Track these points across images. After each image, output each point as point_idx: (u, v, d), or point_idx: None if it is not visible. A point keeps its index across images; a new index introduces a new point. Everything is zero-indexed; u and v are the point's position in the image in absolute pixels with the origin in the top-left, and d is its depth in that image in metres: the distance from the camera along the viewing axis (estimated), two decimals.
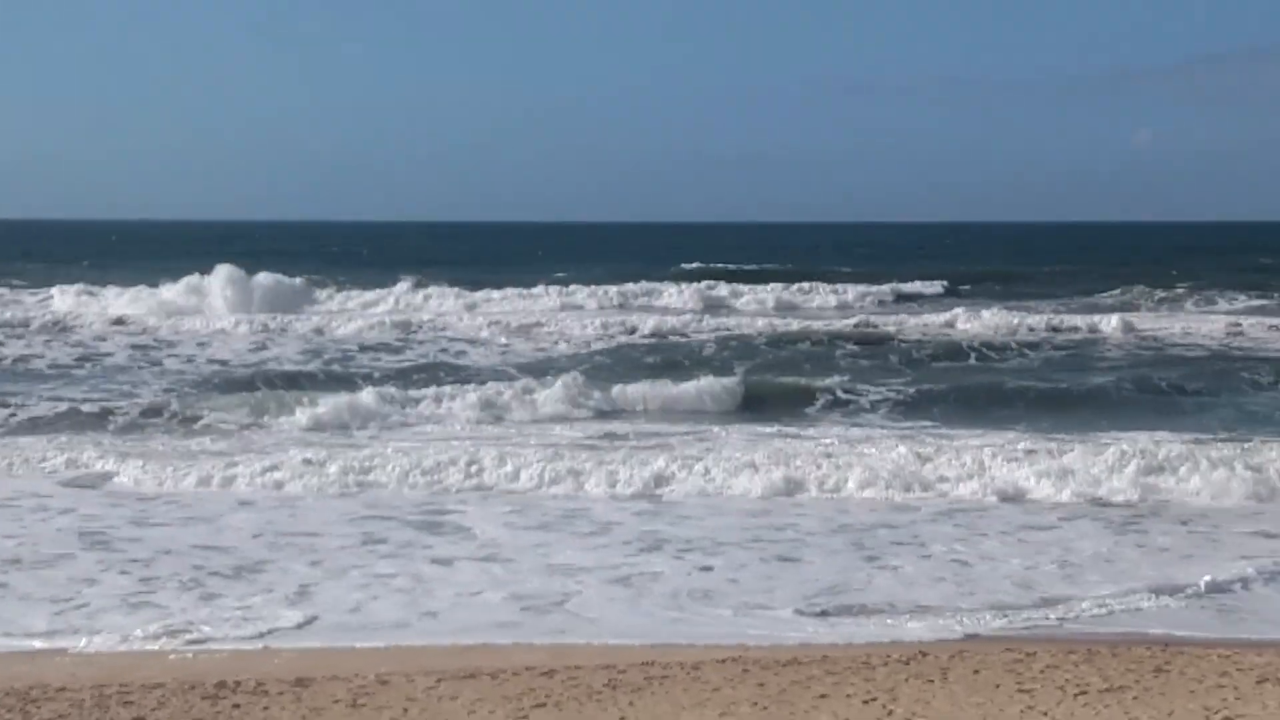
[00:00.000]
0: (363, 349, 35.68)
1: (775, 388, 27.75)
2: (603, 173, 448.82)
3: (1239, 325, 39.54)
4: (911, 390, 27.08)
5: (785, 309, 47.77)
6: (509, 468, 18.89)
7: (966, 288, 55.88)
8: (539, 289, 49.07)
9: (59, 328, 39.28)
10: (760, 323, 40.68)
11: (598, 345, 36.61)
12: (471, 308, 45.26)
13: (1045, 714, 9.37)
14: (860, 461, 18.77)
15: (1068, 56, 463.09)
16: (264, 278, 45.78)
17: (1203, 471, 17.98)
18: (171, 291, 44.51)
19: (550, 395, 25.08)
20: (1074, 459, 18.67)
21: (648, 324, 39.81)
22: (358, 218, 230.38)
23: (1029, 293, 53.26)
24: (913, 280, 56.26)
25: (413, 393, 25.41)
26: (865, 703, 9.64)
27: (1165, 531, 16.07)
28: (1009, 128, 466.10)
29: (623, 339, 37.87)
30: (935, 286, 55.26)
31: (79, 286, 47.56)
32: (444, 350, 35.37)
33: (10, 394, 26.33)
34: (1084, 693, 9.80)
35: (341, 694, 10.01)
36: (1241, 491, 17.51)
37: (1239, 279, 56.46)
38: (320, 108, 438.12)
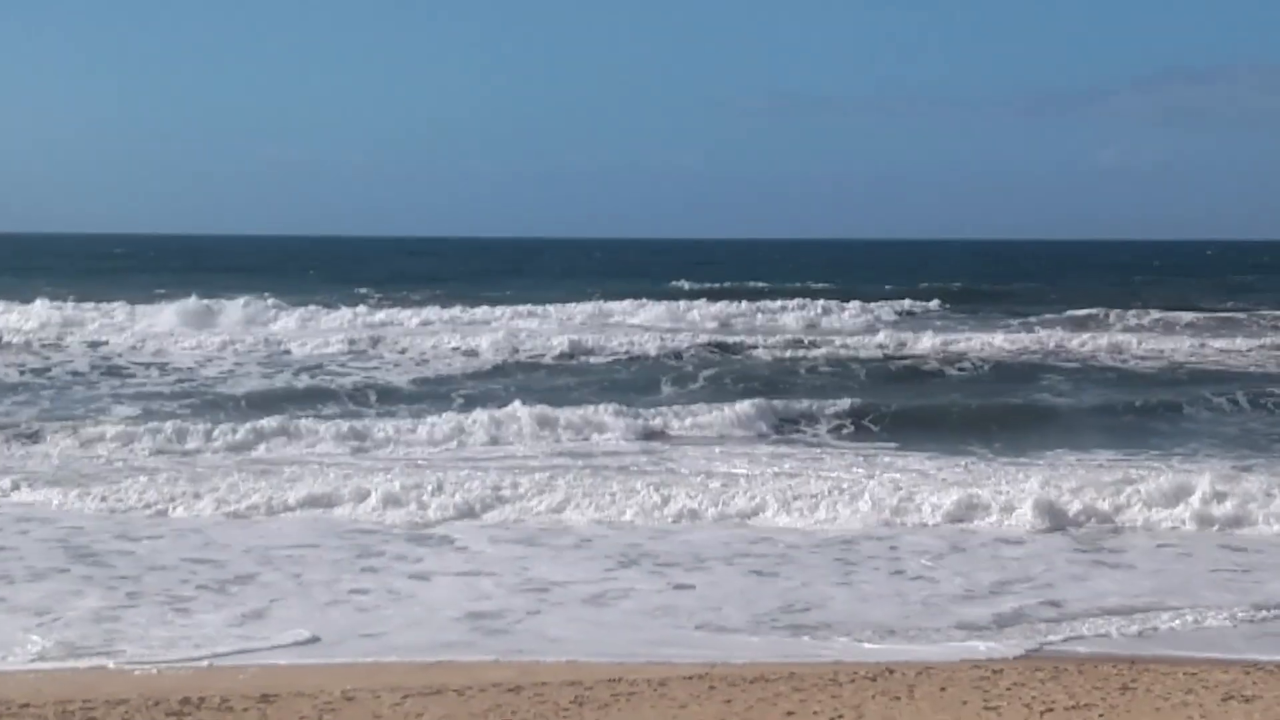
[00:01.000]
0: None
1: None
2: (564, 188, 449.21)
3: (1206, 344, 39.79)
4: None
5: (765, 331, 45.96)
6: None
7: (933, 304, 55.57)
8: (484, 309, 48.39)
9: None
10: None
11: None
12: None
13: None
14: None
15: (1034, 73, 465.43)
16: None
17: None
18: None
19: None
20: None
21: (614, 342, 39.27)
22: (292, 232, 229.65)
23: (1003, 310, 53.02)
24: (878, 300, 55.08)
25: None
26: None
27: None
28: (973, 145, 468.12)
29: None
30: (904, 304, 54.40)
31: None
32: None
33: None
34: (1050, 710, 9.83)
35: (307, 710, 9.97)
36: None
37: (1209, 295, 56.77)
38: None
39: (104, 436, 22.76)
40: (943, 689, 10.46)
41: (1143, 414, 27.14)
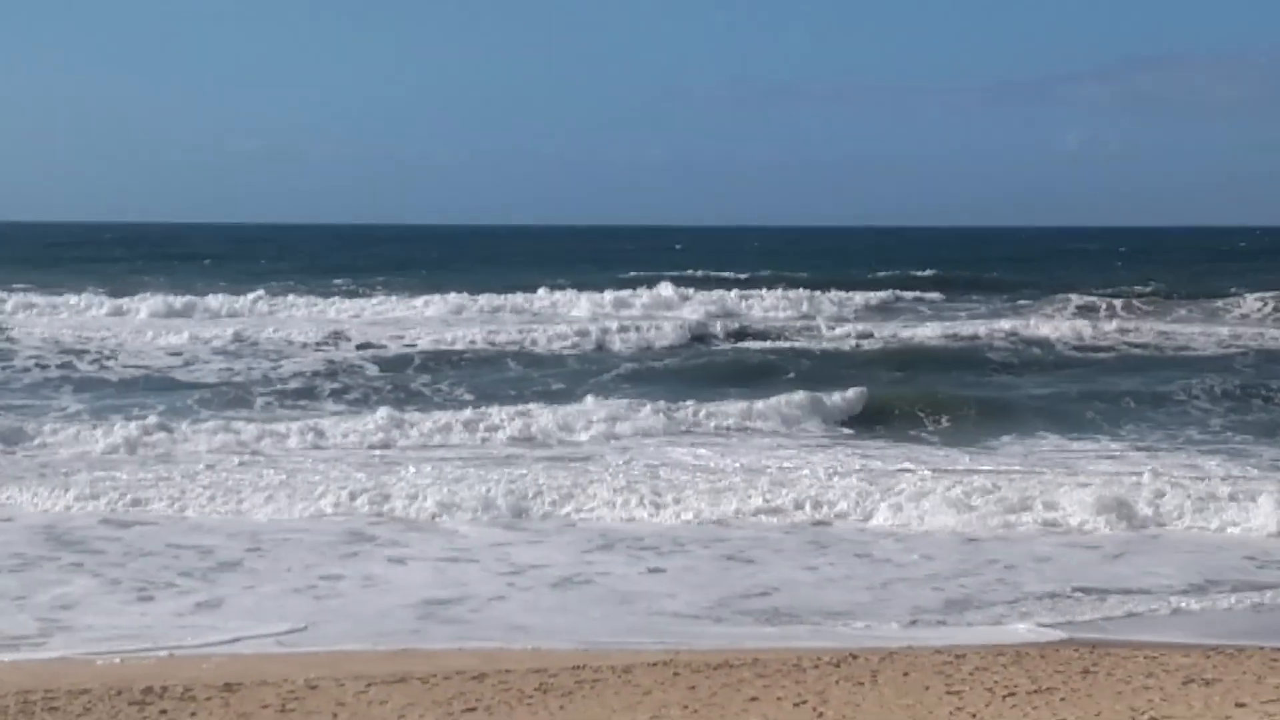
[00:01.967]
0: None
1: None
2: (521, 176, 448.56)
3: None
4: None
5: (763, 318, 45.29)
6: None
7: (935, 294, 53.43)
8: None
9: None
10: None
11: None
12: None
13: (974, 715, 9.43)
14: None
15: (994, 61, 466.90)
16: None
17: None
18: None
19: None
20: None
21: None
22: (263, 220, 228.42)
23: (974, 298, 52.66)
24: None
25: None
26: (796, 705, 9.67)
27: None
28: (936, 132, 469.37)
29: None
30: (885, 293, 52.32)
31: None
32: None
33: None
34: (1012, 694, 9.88)
35: (270, 699, 9.95)
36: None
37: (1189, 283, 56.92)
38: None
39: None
40: (905, 674, 10.50)
41: None
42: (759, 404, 25.00)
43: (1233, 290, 50.14)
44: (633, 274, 60.36)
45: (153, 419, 22.75)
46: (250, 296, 47.20)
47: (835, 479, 18.75)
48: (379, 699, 9.95)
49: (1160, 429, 24.38)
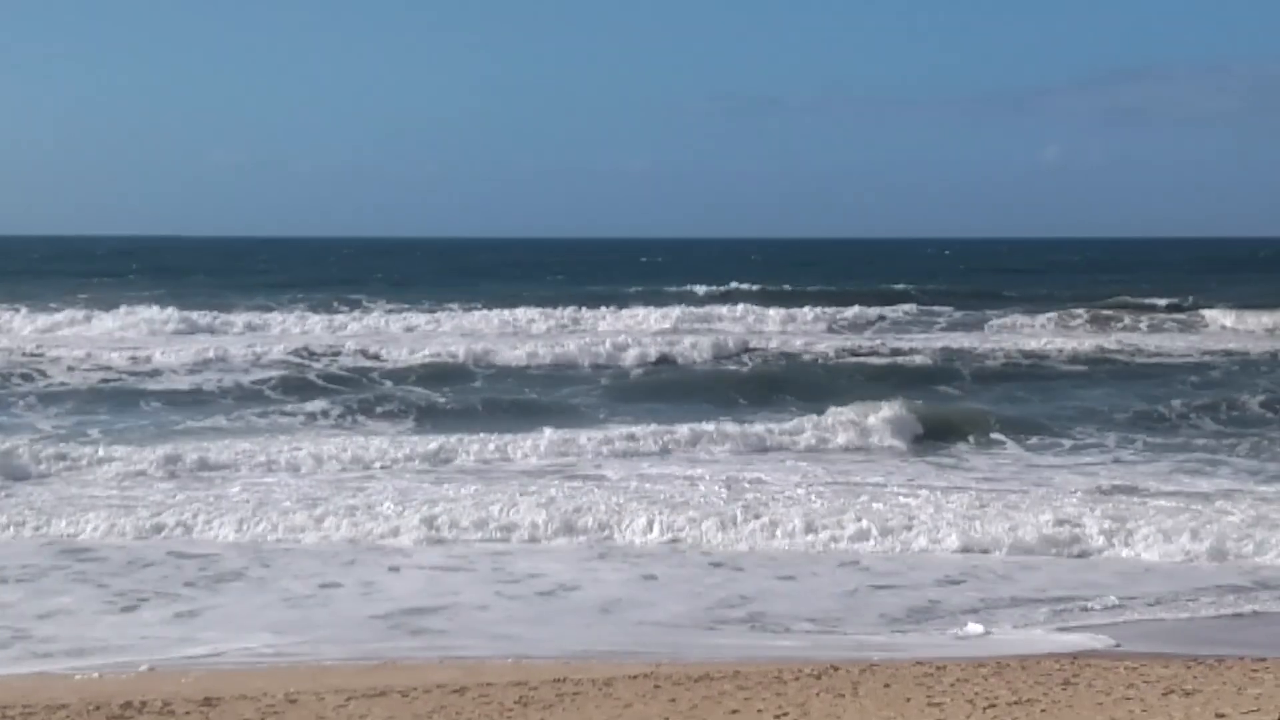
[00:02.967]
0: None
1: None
2: (505, 188, 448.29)
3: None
4: None
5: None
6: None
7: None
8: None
9: None
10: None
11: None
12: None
13: None
14: None
15: (976, 73, 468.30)
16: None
17: None
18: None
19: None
20: None
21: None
22: (248, 234, 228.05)
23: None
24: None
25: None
26: (777, 717, 9.65)
27: None
28: (918, 144, 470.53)
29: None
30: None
31: None
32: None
33: None
34: (993, 706, 9.86)
35: (250, 713, 9.91)
36: None
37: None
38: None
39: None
40: (886, 685, 10.49)
41: None
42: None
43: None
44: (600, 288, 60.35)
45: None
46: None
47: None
48: (359, 713, 9.91)
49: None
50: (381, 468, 21.27)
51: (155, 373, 32.71)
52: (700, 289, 60.61)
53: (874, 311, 49.19)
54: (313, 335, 41.54)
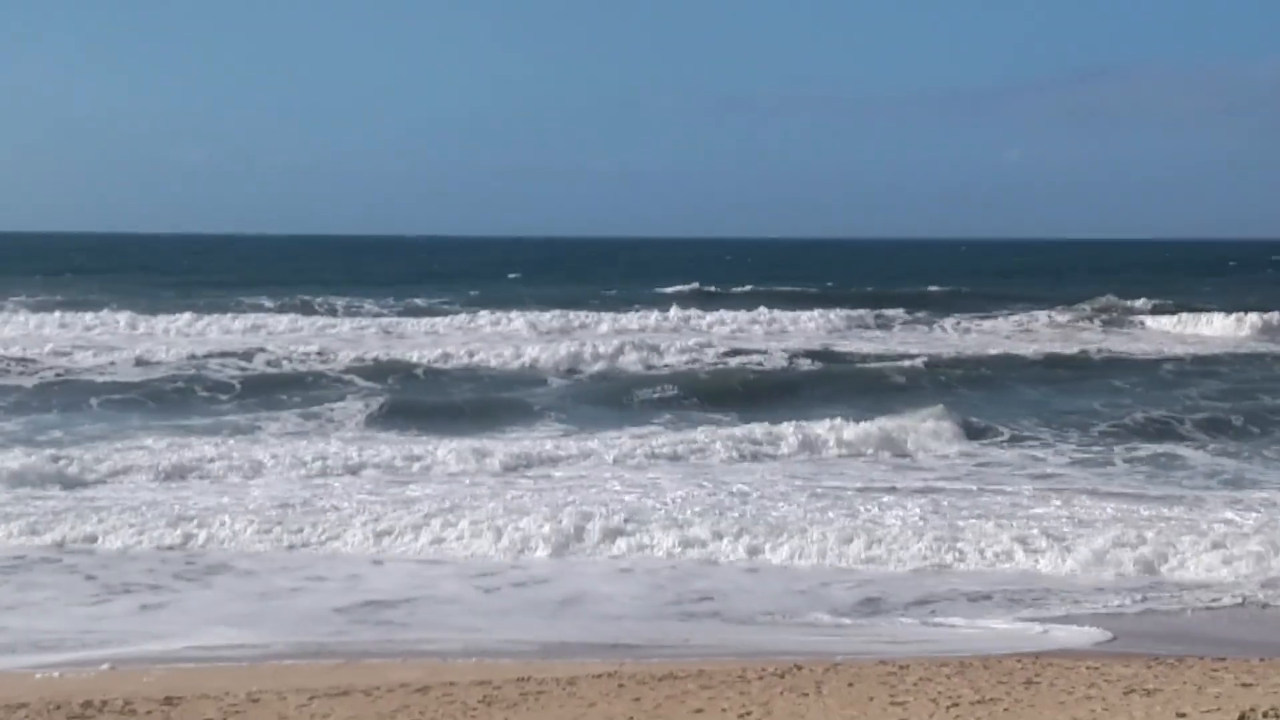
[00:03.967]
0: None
1: None
2: (474, 188, 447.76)
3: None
4: None
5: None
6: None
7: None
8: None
9: None
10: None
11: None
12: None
13: None
14: None
15: (941, 74, 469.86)
16: None
17: None
18: None
19: None
20: None
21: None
22: (219, 231, 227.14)
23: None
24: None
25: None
26: (740, 716, 9.65)
27: None
28: (883, 145, 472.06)
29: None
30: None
31: None
32: None
33: None
34: (956, 705, 9.89)
35: (211, 712, 9.86)
36: None
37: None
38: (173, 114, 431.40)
39: None
40: (850, 685, 10.50)
41: None
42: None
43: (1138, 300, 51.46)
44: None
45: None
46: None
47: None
48: (321, 712, 9.87)
49: None
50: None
51: None
52: (669, 290, 60.31)
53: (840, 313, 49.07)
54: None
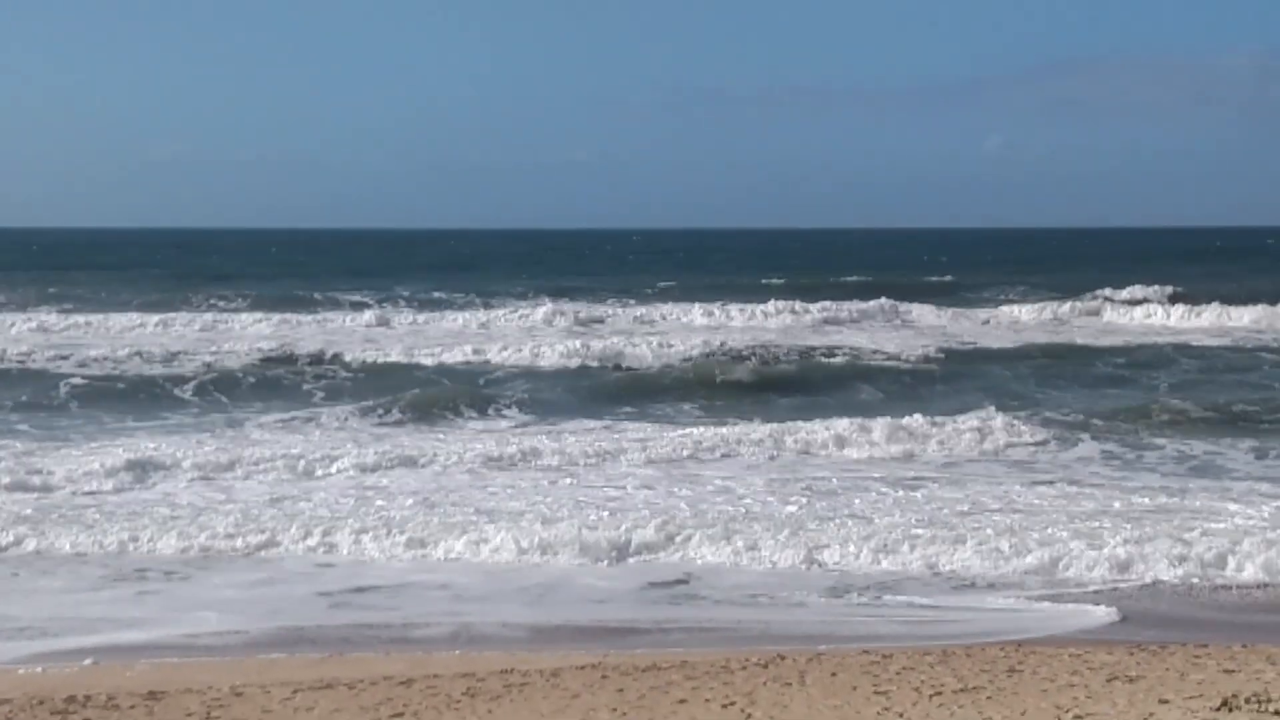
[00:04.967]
0: None
1: None
2: (454, 180, 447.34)
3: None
4: None
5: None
6: None
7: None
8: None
9: None
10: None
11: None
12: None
13: (901, 715, 9.46)
14: None
15: (919, 64, 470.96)
16: None
17: None
18: None
19: None
20: None
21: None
22: (209, 224, 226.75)
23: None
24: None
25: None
26: (724, 707, 9.67)
27: None
28: (862, 135, 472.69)
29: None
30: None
31: None
32: None
33: None
34: (939, 693, 9.92)
35: (195, 707, 9.85)
36: None
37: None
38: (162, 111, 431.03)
39: None
40: (833, 674, 10.53)
41: None
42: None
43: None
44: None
45: None
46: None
47: None
48: (305, 705, 9.87)
49: None
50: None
51: None
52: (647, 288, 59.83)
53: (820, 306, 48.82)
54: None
